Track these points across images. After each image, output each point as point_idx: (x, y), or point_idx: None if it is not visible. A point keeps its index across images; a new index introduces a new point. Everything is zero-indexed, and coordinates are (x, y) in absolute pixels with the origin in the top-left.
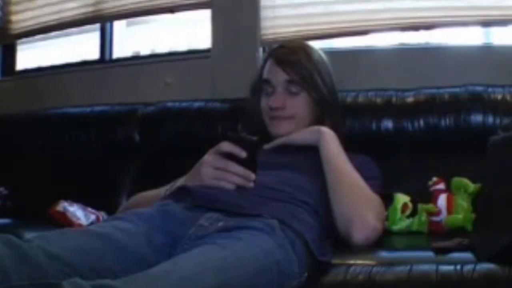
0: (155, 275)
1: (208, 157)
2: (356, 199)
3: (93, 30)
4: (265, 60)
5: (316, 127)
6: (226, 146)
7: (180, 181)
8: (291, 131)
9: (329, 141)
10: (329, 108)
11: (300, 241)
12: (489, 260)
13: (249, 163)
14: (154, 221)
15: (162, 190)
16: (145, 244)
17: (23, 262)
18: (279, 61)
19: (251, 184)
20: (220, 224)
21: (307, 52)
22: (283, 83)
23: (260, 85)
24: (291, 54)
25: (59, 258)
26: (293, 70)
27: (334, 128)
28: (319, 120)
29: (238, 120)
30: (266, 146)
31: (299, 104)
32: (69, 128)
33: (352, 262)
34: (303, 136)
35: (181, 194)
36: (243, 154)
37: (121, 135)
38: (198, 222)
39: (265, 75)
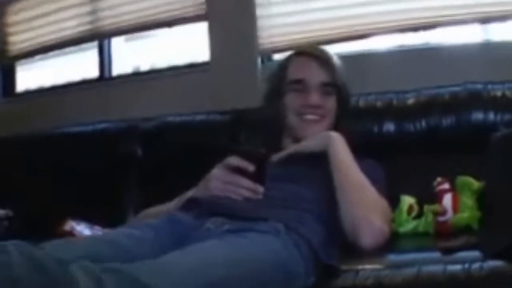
0: (165, 262)
1: (217, 171)
2: (364, 203)
3: (93, 48)
4: (288, 61)
5: (325, 133)
6: (234, 160)
7: (188, 195)
8: (315, 132)
9: (338, 145)
10: (345, 113)
11: (306, 245)
12: (495, 257)
13: (258, 177)
14: (161, 227)
15: (170, 205)
16: (152, 247)
17: (35, 270)
18: (317, 60)
19: (260, 197)
20: (226, 227)
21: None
22: (319, 83)
23: (282, 87)
24: (326, 55)
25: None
26: (329, 70)
27: (345, 132)
28: (335, 124)
29: (240, 131)
30: (276, 157)
31: (331, 106)
32: (71, 146)
33: (360, 266)
34: (312, 142)
35: (189, 205)
36: (251, 168)
37: (123, 151)
38: (205, 226)
39: (297, 74)
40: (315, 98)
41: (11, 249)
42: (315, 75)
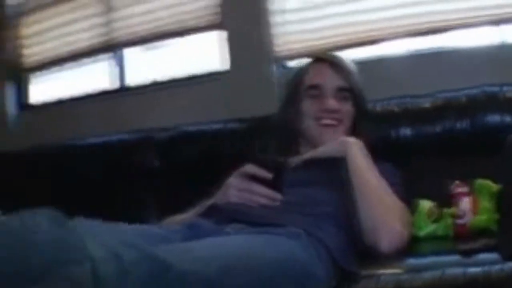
0: (184, 245)
1: (233, 180)
2: (383, 208)
3: (108, 59)
4: (305, 67)
5: (342, 138)
6: (251, 168)
7: (207, 203)
8: (333, 136)
9: (356, 151)
10: (362, 119)
11: (324, 250)
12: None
13: (275, 184)
14: (181, 229)
15: (190, 214)
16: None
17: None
18: (333, 66)
19: (277, 204)
20: (245, 231)
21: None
22: (335, 87)
23: (299, 94)
24: (341, 61)
25: None
26: (344, 76)
27: (363, 137)
28: (353, 129)
29: (257, 139)
30: (293, 162)
31: (348, 110)
32: (87, 157)
33: (380, 271)
34: (330, 148)
35: (209, 212)
36: (267, 175)
37: (140, 161)
38: (224, 230)
39: (313, 80)
40: (332, 102)
41: (39, 217)
42: (332, 80)
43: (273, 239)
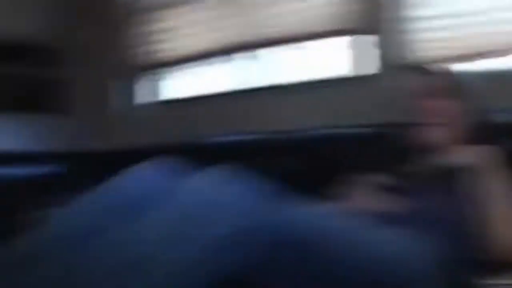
0: None
1: (356, 186)
2: (505, 220)
3: (237, 59)
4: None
5: (468, 148)
6: (374, 176)
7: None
8: (443, 139)
9: (482, 161)
10: (478, 125)
11: (437, 257)
12: None
13: (395, 192)
14: None
15: None
16: None
17: None
18: (425, 70)
19: (396, 211)
20: None
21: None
22: (427, 88)
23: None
24: (432, 65)
25: None
26: (435, 77)
27: (484, 147)
28: (468, 137)
29: (384, 146)
30: (415, 171)
31: (451, 111)
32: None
33: (496, 282)
34: (455, 157)
35: None
36: (389, 184)
37: (277, 164)
38: None
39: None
40: (424, 102)
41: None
42: (423, 82)
43: (387, 236)
